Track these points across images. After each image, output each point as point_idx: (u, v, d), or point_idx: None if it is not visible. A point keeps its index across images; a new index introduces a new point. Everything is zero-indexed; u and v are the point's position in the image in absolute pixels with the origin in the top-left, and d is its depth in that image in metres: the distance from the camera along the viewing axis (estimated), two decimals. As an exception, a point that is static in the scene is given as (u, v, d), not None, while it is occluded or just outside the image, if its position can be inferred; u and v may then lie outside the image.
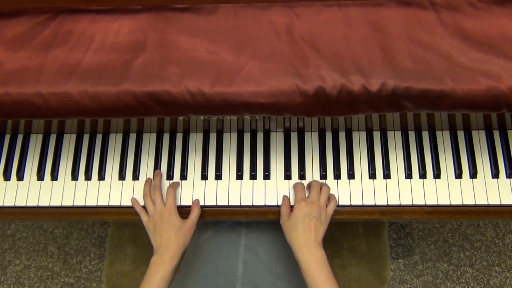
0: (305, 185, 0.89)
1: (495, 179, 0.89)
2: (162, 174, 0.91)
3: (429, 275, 1.50)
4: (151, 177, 0.91)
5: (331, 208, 0.85)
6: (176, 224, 0.83)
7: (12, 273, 1.57)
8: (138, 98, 0.70)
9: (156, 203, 0.85)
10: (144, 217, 0.86)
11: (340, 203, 0.89)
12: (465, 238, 1.54)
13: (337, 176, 0.90)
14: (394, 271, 1.51)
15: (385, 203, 0.88)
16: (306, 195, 0.86)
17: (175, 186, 0.89)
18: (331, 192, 0.89)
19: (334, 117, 0.90)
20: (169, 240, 0.82)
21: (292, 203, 0.87)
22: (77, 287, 1.54)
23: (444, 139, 0.92)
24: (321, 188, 0.86)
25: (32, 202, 0.91)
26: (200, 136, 0.94)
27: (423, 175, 0.89)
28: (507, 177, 0.89)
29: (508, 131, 0.91)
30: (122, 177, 0.92)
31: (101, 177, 0.92)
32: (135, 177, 0.92)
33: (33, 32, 0.74)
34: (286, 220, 0.83)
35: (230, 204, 0.90)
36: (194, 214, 0.86)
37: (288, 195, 0.90)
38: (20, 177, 0.93)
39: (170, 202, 0.85)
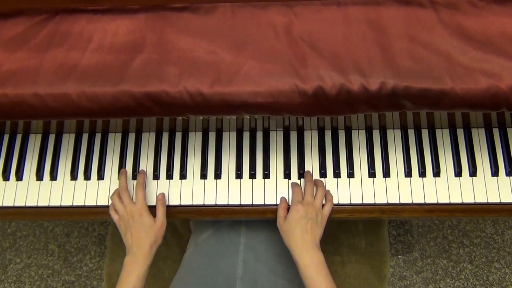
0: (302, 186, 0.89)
1: (495, 177, 0.89)
2: (127, 172, 0.91)
3: (428, 272, 1.51)
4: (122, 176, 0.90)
5: (327, 209, 0.85)
6: (147, 223, 0.83)
7: (13, 271, 1.57)
8: (136, 99, 0.69)
9: (125, 203, 0.85)
10: (115, 216, 0.86)
11: (340, 201, 0.89)
12: (464, 234, 1.55)
13: (336, 174, 0.90)
14: (394, 268, 1.51)
15: (385, 202, 0.88)
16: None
17: (142, 182, 0.88)
18: (330, 192, 0.89)
19: (333, 116, 0.90)
20: (140, 239, 0.82)
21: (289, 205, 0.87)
22: (77, 285, 1.54)
23: (443, 137, 0.92)
24: (316, 189, 0.86)
25: (31, 202, 0.91)
26: (199, 135, 0.94)
27: (422, 174, 0.89)
28: (506, 175, 0.89)
29: (508, 129, 0.91)
30: (121, 176, 0.92)
31: (101, 176, 0.92)
32: (135, 176, 0.92)
33: (31, 32, 0.74)
34: (283, 222, 0.83)
35: (229, 203, 0.90)
36: (160, 211, 0.86)
37: (287, 195, 0.89)
38: (19, 177, 0.93)
39: (140, 200, 0.85)
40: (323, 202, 0.86)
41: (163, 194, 0.89)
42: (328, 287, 0.76)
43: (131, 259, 0.81)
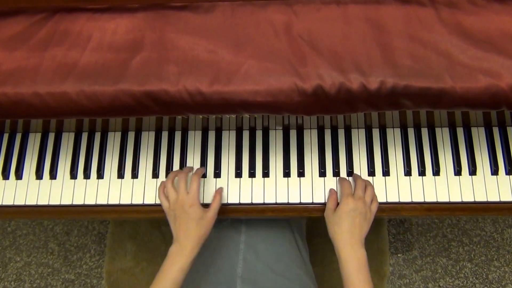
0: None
1: (495, 176, 0.89)
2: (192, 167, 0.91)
3: (428, 270, 1.51)
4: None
5: (374, 206, 0.85)
6: (198, 215, 0.81)
7: (13, 270, 1.57)
8: (136, 98, 0.69)
9: (179, 191, 0.83)
10: (165, 203, 0.84)
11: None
12: (464, 233, 1.55)
13: (336, 173, 0.90)
14: (394, 266, 1.51)
15: (385, 200, 0.88)
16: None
17: (199, 173, 0.86)
18: (329, 189, 0.89)
19: (333, 115, 0.90)
20: (189, 231, 0.80)
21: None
22: (77, 283, 1.54)
23: (443, 136, 0.92)
24: (366, 186, 0.86)
25: (31, 201, 0.91)
26: (199, 134, 0.94)
27: (422, 172, 0.89)
28: (506, 174, 0.89)
29: (508, 128, 0.91)
30: (121, 175, 0.92)
31: (100, 175, 0.92)
32: (134, 175, 0.92)
33: (30, 31, 0.74)
34: (331, 214, 0.83)
35: (229, 202, 0.90)
36: (216, 203, 0.84)
37: (287, 193, 0.89)
38: (19, 176, 0.93)
39: (194, 191, 0.82)
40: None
41: (222, 189, 0.89)
42: (366, 285, 0.76)
43: (177, 249, 0.80)
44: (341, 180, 0.87)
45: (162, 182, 0.86)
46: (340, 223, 0.81)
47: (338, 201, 0.86)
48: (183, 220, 0.81)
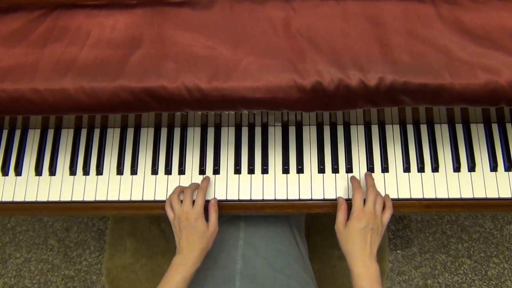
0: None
1: (494, 172, 0.89)
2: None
3: (427, 267, 1.51)
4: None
5: (386, 217, 0.82)
6: (202, 228, 0.82)
7: (12, 266, 1.58)
8: (134, 94, 0.69)
9: (185, 203, 0.83)
10: (170, 214, 0.85)
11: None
12: (463, 229, 1.55)
13: (335, 170, 0.90)
14: (393, 263, 1.52)
15: (383, 197, 0.88)
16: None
17: (205, 187, 0.87)
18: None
19: (332, 112, 0.90)
20: (193, 243, 0.81)
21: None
22: (77, 279, 1.55)
23: (442, 133, 0.92)
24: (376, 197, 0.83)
25: (30, 197, 0.91)
26: (198, 130, 0.94)
27: (421, 169, 0.89)
28: (505, 170, 0.89)
29: (507, 125, 0.91)
30: (120, 172, 0.92)
31: (99, 172, 0.92)
32: (133, 171, 0.92)
33: (29, 28, 0.74)
34: (342, 229, 0.80)
35: (228, 198, 0.90)
36: (214, 217, 0.85)
37: (286, 189, 0.89)
38: (18, 172, 0.93)
39: (199, 205, 0.84)
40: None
41: (216, 199, 0.88)
42: None
43: (181, 260, 0.81)
44: (354, 189, 0.83)
45: (169, 197, 0.88)
46: (352, 240, 0.78)
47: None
48: (188, 233, 0.82)
